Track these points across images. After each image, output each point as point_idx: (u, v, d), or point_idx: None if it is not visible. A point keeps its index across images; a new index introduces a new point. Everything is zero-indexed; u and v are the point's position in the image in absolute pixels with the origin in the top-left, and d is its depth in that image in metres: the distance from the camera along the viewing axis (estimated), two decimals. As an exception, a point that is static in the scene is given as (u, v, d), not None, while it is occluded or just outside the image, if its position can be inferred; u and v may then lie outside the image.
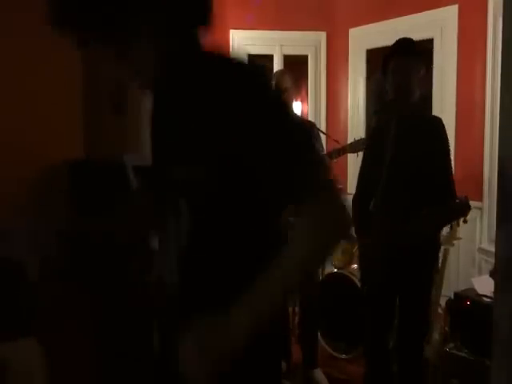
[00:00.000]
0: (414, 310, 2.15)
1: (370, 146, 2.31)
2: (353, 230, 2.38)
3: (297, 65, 4.52)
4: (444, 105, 3.76)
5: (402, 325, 2.18)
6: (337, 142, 2.77)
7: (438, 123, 2.12)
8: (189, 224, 1.05)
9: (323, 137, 2.87)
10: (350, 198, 3.35)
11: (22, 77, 3.06)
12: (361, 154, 2.49)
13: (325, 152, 2.72)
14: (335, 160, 2.60)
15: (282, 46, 4.47)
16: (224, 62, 0.91)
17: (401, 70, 2.04)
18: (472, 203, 3.49)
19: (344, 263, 3.24)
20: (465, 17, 3.62)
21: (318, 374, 2.82)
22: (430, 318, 2.26)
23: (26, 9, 3.03)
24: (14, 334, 2.28)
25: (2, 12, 2.92)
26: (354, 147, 2.51)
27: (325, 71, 4.54)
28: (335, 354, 3.07)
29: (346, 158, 4.36)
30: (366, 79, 4.41)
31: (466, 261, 3.59)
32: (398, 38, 2.10)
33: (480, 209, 3.54)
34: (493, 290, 1.76)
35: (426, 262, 2.15)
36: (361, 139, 2.52)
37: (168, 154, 1.01)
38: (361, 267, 2.39)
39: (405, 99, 2.07)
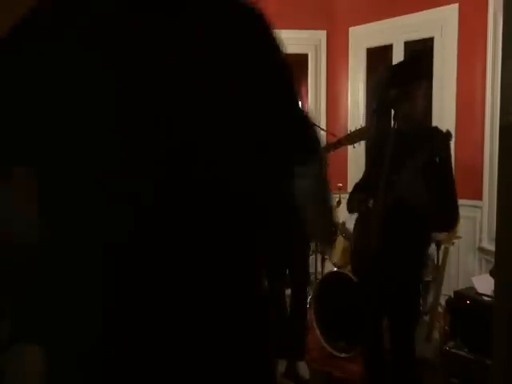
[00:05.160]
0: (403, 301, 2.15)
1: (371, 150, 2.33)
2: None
3: (297, 63, 4.52)
4: (444, 104, 3.76)
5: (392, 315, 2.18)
6: (333, 135, 2.78)
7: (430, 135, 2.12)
8: None
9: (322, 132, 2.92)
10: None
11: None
12: (357, 145, 2.49)
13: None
14: (332, 152, 2.58)
15: (281, 44, 4.46)
16: None
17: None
18: (472, 202, 3.55)
19: (344, 262, 3.24)
20: (465, 16, 3.62)
21: (303, 367, 2.79)
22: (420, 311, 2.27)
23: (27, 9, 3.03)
24: (13, 334, 2.28)
25: (2, 12, 2.93)
26: (352, 138, 2.50)
27: (325, 70, 4.54)
28: (335, 352, 3.07)
29: (346, 156, 4.38)
30: (366, 78, 4.41)
31: (466, 260, 3.60)
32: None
33: (480, 208, 3.55)
34: (493, 288, 1.76)
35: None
36: (356, 130, 2.50)
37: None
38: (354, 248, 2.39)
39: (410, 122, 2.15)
